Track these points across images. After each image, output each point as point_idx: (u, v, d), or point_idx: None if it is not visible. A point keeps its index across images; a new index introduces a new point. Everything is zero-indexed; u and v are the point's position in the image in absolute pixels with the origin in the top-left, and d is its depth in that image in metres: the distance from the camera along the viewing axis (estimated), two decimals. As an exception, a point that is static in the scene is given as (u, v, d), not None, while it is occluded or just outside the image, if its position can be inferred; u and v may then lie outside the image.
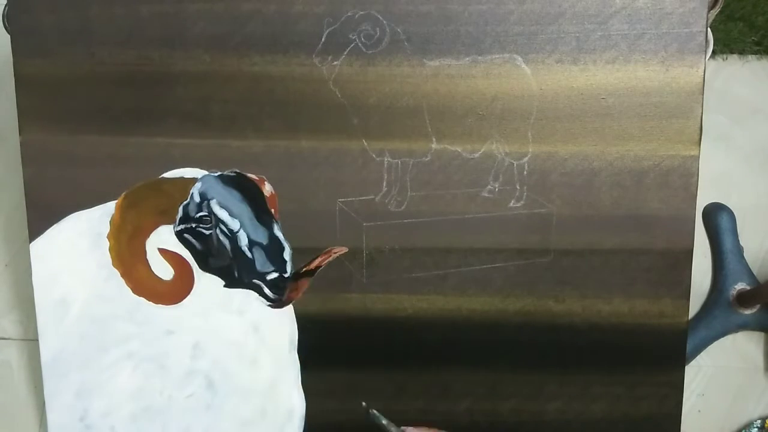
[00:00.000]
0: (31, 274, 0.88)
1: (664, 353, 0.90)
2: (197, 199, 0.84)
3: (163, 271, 0.87)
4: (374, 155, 0.86)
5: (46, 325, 0.88)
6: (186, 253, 0.86)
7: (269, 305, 0.87)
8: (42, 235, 0.87)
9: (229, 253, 0.83)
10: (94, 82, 0.86)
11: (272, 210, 0.86)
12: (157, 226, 0.86)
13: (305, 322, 0.88)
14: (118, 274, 0.87)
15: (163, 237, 0.86)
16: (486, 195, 0.87)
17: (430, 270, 0.88)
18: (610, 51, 0.85)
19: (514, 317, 0.89)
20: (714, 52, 1.20)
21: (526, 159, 0.87)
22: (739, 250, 1.14)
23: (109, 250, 0.87)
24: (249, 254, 0.82)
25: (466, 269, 0.88)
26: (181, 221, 0.85)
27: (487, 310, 0.89)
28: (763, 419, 1.09)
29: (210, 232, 0.84)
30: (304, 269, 0.86)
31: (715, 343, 1.11)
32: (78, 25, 0.85)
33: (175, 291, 0.87)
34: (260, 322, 0.89)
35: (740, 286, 1.11)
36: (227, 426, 0.90)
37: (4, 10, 0.85)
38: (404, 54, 0.85)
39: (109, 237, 0.86)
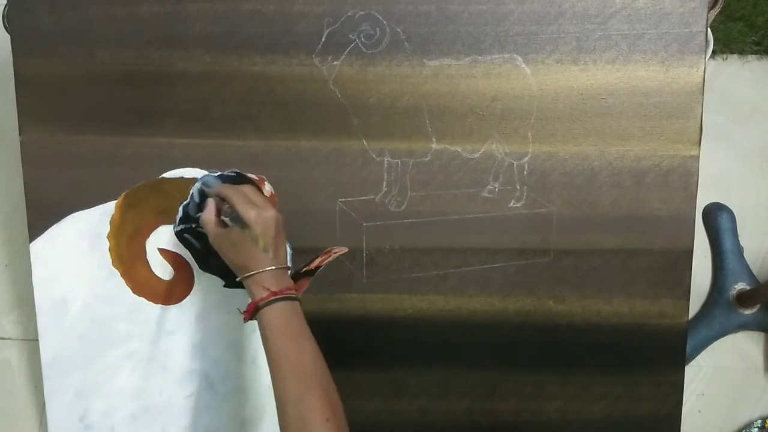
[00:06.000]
0: (31, 274, 0.87)
1: (664, 353, 0.90)
2: (197, 199, 0.84)
3: (163, 271, 0.87)
4: (374, 155, 0.86)
5: (46, 325, 0.88)
6: (186, 253, 0.86)
7: (269, 305, 0.87)
8: (42, 235, 0.87)
9: (229, 253, 0.83)
10: (94, 82, 0.85)
11: (272, 210, 0.86)
12: (157, 226, 0.86)
13: (305, 322, 0.88)
14: (118, 274, 0.87)
15: (163, 237, 0.87)
16: (486, 195, 0.87)
17: (430, 270, 0.88)
18: (610, 51, 0.85)
19: (514, 317, 0.89)
20: (714, 52, 1.21)
21: (526, 159, 0.87)
22: (739, 250, 1.14)
23: (109, 250, 0.87)
24: (249, 254, 0.82)
25: (466, 269, 0.88)
26: (181, 221, 0.85)
27: (487, 310, 0.89)
28: (763, 419, 1.09)
29: (210, 232, 0.84)
30: (304, 269, 0.86)
31: (715, 343, 1.11)
32: (78, 25, 0.85)
33: (175, 291, 0.88)
34: (260, 322, 0.89)
35: (740, 286, 1.12)
36: (227, 426, 0.90)
37: (4, 10, 0.85)
38: (404, 54, 0.85)
39: (109, 237, 0.87)
